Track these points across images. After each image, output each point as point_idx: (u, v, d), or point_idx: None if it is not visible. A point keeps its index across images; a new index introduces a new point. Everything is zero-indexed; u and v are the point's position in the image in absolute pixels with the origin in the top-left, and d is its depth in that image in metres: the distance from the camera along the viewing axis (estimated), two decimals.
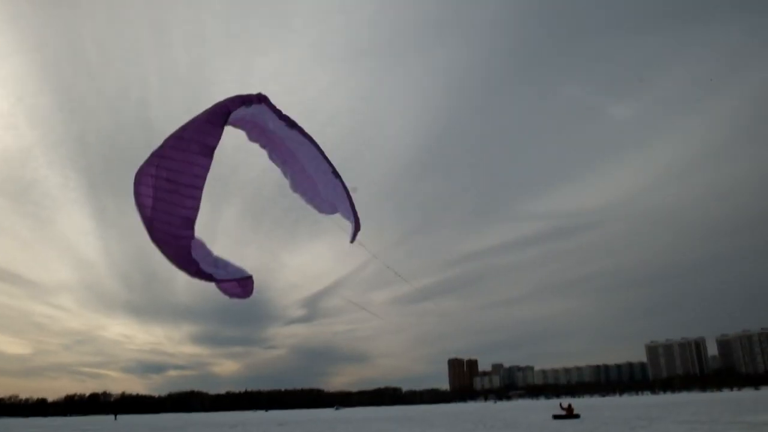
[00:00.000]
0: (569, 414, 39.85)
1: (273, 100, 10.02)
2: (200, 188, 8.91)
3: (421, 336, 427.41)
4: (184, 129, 9.61)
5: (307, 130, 10.38)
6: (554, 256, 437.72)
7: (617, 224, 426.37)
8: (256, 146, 10.84)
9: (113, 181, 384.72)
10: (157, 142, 8.91)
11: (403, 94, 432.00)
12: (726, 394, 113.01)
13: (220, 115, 9.41)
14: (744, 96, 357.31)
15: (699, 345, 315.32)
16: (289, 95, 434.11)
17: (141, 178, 9.83)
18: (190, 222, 9.08)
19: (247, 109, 10.21)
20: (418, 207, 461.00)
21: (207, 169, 9.12)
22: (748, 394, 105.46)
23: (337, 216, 10.67)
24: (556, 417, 40.02)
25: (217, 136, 9.40)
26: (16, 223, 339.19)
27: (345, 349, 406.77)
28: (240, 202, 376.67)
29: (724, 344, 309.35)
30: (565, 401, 48.81)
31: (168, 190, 9.22)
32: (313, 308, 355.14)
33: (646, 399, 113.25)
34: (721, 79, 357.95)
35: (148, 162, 9.58)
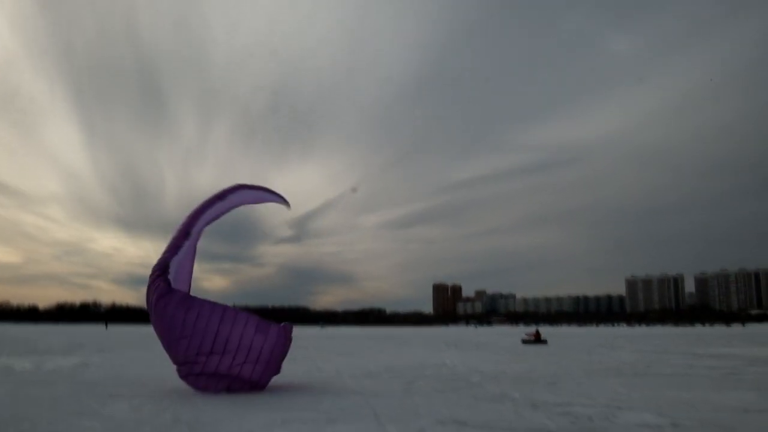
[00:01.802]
0: (536, 339, 41.46)
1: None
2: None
3: (407, 261, 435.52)
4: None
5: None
6: (541, 187, 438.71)
7: (606, 160, 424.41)
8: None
9: (100, 92, 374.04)
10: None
11: (397, 17, 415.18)
12: (696, 329, 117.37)
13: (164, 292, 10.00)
14: (744, 40, 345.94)
15: (677, 281, 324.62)
16: (279, 13, 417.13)
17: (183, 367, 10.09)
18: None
19: (222, 203, 11.29)
20: (410, 133, 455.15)
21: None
22: (717, 330, 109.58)
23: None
24: (524, 342, 41.60)
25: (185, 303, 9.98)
26: (3, 131, 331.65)
27: (332, 271, 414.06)
28: (230, 118, 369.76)
29: (701, 281, 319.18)
30: (533, 329, 50.64)
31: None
32: (302, 229, 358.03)
33: (618, 330, 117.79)
34: (721, 20, 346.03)
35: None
